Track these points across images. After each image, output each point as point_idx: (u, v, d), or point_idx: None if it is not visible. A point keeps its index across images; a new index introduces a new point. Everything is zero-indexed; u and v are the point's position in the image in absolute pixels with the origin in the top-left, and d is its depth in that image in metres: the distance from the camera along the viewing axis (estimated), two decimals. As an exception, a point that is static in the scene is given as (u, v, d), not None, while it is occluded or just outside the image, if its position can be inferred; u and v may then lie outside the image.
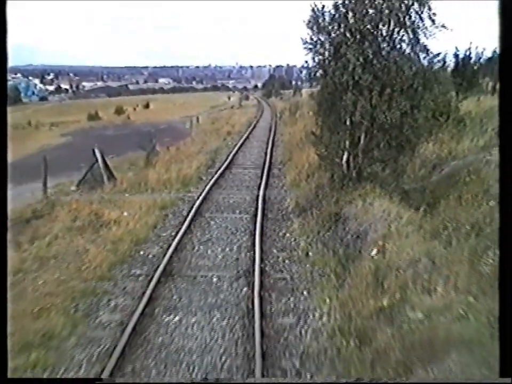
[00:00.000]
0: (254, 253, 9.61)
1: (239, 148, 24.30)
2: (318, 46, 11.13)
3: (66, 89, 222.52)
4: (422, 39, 10.87)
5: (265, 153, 22.12)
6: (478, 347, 4.87)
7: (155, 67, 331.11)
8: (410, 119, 10.50)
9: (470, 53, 29.93)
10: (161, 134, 28.85)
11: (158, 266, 8.98)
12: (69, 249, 10.13)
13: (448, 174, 13.24)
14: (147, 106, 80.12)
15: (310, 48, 11.10)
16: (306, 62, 11.26)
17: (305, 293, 8.08)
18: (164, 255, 9.57)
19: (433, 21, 10.77)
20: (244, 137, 28.85)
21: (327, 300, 7.37)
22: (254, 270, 8.76)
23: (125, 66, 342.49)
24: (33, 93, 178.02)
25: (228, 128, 34.27)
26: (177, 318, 7.35)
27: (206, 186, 15.56)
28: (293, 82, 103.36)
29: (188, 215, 12.37)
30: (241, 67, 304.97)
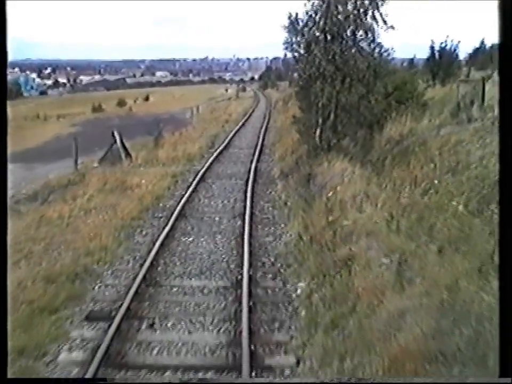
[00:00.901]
0: (245, 203, 12.92)
1: (235, 133, 27.70)
2: (295, 45, 14.45)
3: (64, 83, 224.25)
4: (379, 38, 14.18)
5: (258, 137, 25.52)
6: (378, 234, 8.23)
7: (152, 60, 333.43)
8: (366, 101, 13.82)
9: (445, 46, 33.26)
10: (164, 122, 32.02)
11: (174, 211, 12.30)
12: (104, 203, 13.43)
13: (405, 147, 16.55)
14: (147, 99, 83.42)
15: (287, 48, 14.44)
16: (284, 58, 14.56)
17: (282, 225, 11.42)
18: (178, 204, 12.89)
19: (385, 22, 14.08)
20: (240, 124, 32.28)
21: (296, 226, 10.70)
22: (245, 213, 12.06)
23: (122, 60, 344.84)
24: (31, 87, 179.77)
25: (225, 116, 37.64)
26: (190, 239, 10.69)
27: (207, 161, 18.88)
28: (290, 74, 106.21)
29: (193, 180, 15.69)
30: (238, 59, 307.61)
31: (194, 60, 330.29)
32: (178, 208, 12.53)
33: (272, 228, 11.26)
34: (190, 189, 14.50)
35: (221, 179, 16.47)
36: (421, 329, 5.27)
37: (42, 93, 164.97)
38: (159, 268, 9.04)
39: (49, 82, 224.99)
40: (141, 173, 17.00)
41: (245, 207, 12.63)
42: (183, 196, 13.88)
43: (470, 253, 6.42)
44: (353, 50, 14.04)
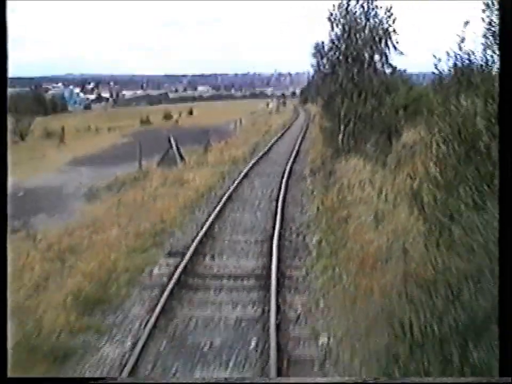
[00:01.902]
0: (279, 192, 16.70)
1: (274, 142, 31.58)
2: (321, 67, 18.30)
3: (107, 98, 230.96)
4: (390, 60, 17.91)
5: (294, 145, 29.39)
6: (370, 203, 11.91)
7: (193, 75, 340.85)
8: (377, 112, 17.53)
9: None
10: (209, 133, 36.14)
11: (223, 197, 16.15)
12: (168, 192, 17.35)
13: (414, 150, 20.15)
14: (191, 112, 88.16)
15: (314, 69, 18.31)
16: (313, 77, 18.42)
17: (307, 205, 15.17)
18: (225, 193, 16.74)
19: (395, 48, 17.79)
20: (279, 134, 36.18)
21: (316, 203, 14.44)
22: (278, 199, 15.81)
23: (164, 75, 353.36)
24: (75, 102, 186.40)
25: (266, 128, 41.68)
26: (237, 214, 14.52)
27: (249, 163, 22.76)
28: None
29: (238, 177, 19.55)
30: (279, 74, 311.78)
31: (236, 75, 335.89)
32: (227, 194, 16.39)
33: (300, 208, 14.99)
34: (235, 183, 18.36)
35: (261, 176, 20.29)
36: (382, 246, 8.96)
37: (86, 107, 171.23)
38: (215, 230, 12.88)
39: (92, 96, 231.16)
40: (194, 172, 20.92)
41: (278, 194, 16.39)
42: (230, 187, 17.72)
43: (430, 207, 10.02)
44: (369, 71, 17.73)
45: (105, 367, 6.56)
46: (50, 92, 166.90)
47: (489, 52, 6.90)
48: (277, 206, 14.69)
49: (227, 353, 6.88)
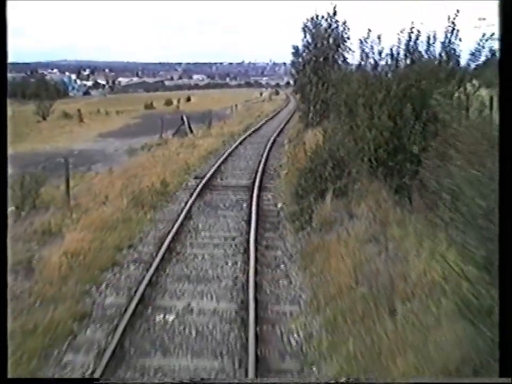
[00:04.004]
0: (264, 152, 24.43)
1: (264, 123, 39.48)
2: (296, 64, 26.07)
3: (103, 85, 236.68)
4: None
5: (280, 125, 37.24)
6: (318, 146, 19.71)
7: (189, 63, 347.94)
8: (335, 96, 25.22)
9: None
10: (209, 117, 43.88)
11: (225, 153, 23.88)
12: (185, 151, 25.03)
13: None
14: (188, 99, 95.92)
15: (292, 65, 26.10)
16: (291, 72, 26.23)
17: (281, 158, 22.89)
18: (225, 152, 24.44)
19: (350, 50, 25.47)
20: (269, 117, 44.08)
21: (287, 156, 22.14)
22: (263, 155, 23.53)
23: (159, 62, 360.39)
24: (73, 88, 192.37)
25: (258, 113, 49.56)
26: (235, 162, 22.26)
27: (244, 136, 30.56)
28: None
29: (235, 144, 27.30)
30: (274, 64, 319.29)
31: (231, 64, 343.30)
32: (228, 152, 24.15)
33: (277, 160, 22.70)
34: (233, 146, 26.13)
35: (252, 144, 28.04)
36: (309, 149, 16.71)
37: (86, 93, 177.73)
38: (221, 168, 20.65)
39: (89, 83, 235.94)
40: (202, 140, 28.66)
41: (263, 153, 24.14)
42: (229, 149, 25.46)
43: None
44: (329, 67, 25.44)
45: (173, 213, 14.11)
46: (49, 78, 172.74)
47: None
48: (261, 158, 22.44)
49: (232, 209, 14.63)
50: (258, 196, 15.47)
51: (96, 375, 6.15)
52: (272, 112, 51.98)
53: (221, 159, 22.11)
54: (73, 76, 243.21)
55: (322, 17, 25.86)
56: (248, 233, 11.73)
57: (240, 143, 27.73)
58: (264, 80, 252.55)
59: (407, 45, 12.10)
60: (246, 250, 10.72)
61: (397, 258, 7.93)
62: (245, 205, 14.73)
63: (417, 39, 11.95)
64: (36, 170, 19.45)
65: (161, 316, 8.06)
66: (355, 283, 7.73)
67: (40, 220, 12.88)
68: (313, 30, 26.02)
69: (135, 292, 8.59)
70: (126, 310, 7.91)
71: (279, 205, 14.85)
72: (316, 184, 12.59)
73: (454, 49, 11.52)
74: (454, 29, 11.17)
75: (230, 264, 10.26)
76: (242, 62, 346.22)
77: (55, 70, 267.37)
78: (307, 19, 26.33)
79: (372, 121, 11.55)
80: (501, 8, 3.34)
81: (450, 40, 11.44)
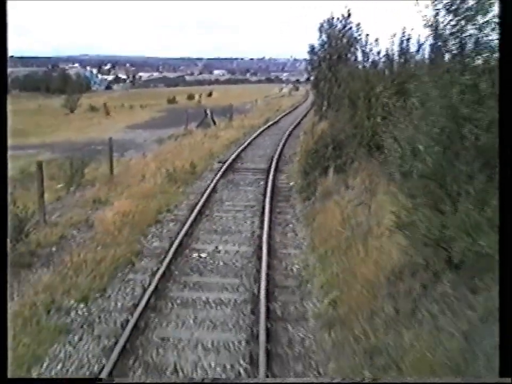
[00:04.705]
0: (280, 142, 27.09)
1: (282, 117, 42.18)
2: (312, 61, 28.69)
3: (124, 79, 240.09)
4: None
5: (297, 118, 39.90)
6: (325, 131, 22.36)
7: (209, 59, 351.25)
8: (348, 91, 27.84)
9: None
10: (230, 111, 46.63)
11: (244, 143, 26.59)
12: (209, 141, 27.77)
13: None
14: (210, 94, 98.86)
15: (309, 62, 28.72)
16: (307, 70, 28.84)
17: (296, 148, 25.55)
18: (245, 142, 27.16)
19: (363, 50, 28.06)
20: (287, 111, 46.75)
21: (301, 146, 24.79)
22: (279, 144, 26.20)
23: (179, 58, 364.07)
24: (95, 82, 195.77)
25: (277, 107, 52.29)
26: (255, 150, 24.98)
27: (263, 128, 33.27)
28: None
29: (255, 134, 30.00)
30: (295, 60, 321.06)
31: (251, 59, 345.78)
32: (248, 141, 26.87)
33: (293, 149, 25.34)
34: (253, 136, 28.86)
35: (270, 135, 30.76)
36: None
37: (108, 87, 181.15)
38: (241, 155, 23.35)
39: (110, 77, 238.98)
40: (224, 131, 31.40)
41: (279, 143, 26.81)
42: (249, 139, 28.16)
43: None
44: (343, 65, 27.98)
45: (201, 188, 16.78)
46: (70, 72, 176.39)
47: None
48: (277, 147, 25.13)
49: (251, 185, 17.31)
50: (274, 176, 18.17)
51: (150, 289, 8.75)
52: (290, 107, 54.65)
53: (241, 147, 24.80)
54: (95, 71, 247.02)
55: (338, 18, 28.40)
56: (264, 202, 14.41)
57: (259, 134, 30.42)
58: (284, 76, 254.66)
59: (400, 46, 14.67)
60: (262, 214, 13.39)
61: (376, 214, 10.53)
62: (262, 183, 17.39)
63: (408, 40, 14.55)
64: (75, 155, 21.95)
65: (196, 254, 10.80)
66: (342, 229, 10.40)
67: (89, 193, 15.63)
68: (329, 31, 28.59)
69: (175, 239, 11.32)
70: (169, 250, 10.63)
71: (291, 183, 17.50)
72: (320, 162, 15.25)
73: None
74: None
75: (248, 223, 12.98)
76: (263, 57, 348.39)
77: (76, 65, 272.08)
78: (323, 20, 28.91)
79: (370, 111, 14.19)
80: (501, 8, 3.32)
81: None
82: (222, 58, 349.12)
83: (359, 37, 28.04)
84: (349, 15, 28.31)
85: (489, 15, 6.57)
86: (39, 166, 12.72)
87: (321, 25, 29.25)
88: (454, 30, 6.71)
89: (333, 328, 7.45)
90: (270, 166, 20.04)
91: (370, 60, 17.64)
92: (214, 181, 17.20)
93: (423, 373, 5.76)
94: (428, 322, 6.57)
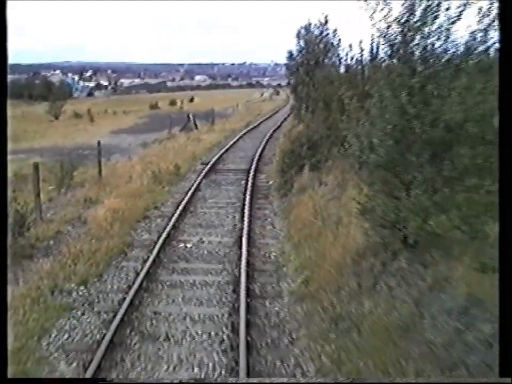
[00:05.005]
0: (261, 144, 28.18)
1: (263, 121, 43.27)
2: (291, 66, 29.83)
3: (106, 86, 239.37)
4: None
5: (277, 122, 41.04)
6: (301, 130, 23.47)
7: (190, 64, 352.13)
8: (323, 94, 29.01)
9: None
10: (212, 116, 47.64)
11: (225, 146, 27.64)
12: (191, 143, 28.79)
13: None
14: (192, 100, 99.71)
15: (287, 67, 29.86)
16: (286, 75, 29.98)
17: (275, 149, 26.65)
18: (228, 144, 28.22)
19: (338, 56, 29.25)
20: (267, 116, 47.85)
21: (280, 148, 25.88)
22: (259, 147, 27.29)
23: (161, 63, 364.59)
24: (76, 89, 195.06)
25: (258, 112, 53.40)
26: (236, 152, 26.03)
27: (244, 131, 34.34)
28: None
29: (236, 138, 31.07)
30: (276, 64, 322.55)
31: (232, 64, 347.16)
32: (229, 144, 27.92)
33: (272, 151, 26.41)
34: (234, 139, 29.91)
35: (251, 138, 31.82)
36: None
37: (89, 94, 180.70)
38: (223, 156, 24.38)
39: (92, 84, 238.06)
40: (206, 135, 32.42)
41: (259, 146, 27.88)
42: (230, 142, 29.20)
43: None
44: (319, 69, 29.15)
45: (185, 188, 17.81)
46: (52, 79, 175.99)
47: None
48: (258, 149, 26.21)
49: (232, 184, 18.35)
50: (254, 176, 19.21)
51: (142, 274, 9.75)
52: (271, 111, 55.79)
53: (223, 150, 25.84)
54: (76, 77, 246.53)
55: (315, 25, 29.57)
56: (244, 199, 15.45)
57: (240, 138, 31.49)
58: (265, 80, 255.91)
59: (371, 52, 15.79)
60: (242, 209, 14.43)
61: (345, 205, 11.60)
62: (242, 182, 18.43)
63: (377, 47, 15.69)
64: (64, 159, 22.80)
65: (183, 244, 11.83)
66: (314, 220, 11.48)
67: (80, 193, 16.56)
68: (306, 36, 29.75)
69: (162, 232, 12.33)
70: (157, 241, 11.65)
71: (270, 182, 18.56)
72: (296, 161, 16.36)
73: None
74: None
75: (230, 218, 14.03)
76: (244, 62, 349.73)
77: (57, 71, 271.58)
78: (301, 26, 30.07)
79: (343, 113, 15.30)
80: (501, 8, 3.27)
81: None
82: (203, 64, 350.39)
83: (335, 43, 29.33)
84: (326, 21, 29.43)
85: (434, 26, 7.77)
86: (36, 166, 13.67)
87: (299, 32, 30.40)
88: (403, 40, 7.85)
89: (304, 301, 8.51)
90: (250, 167, 21.04)
91: (343, 65, 18.59)
92: (198, 181, 18.22)
93: (379, 333, 6.79)
94: (385, 293, 7.64)
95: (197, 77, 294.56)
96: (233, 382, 6.19)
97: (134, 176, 18.60)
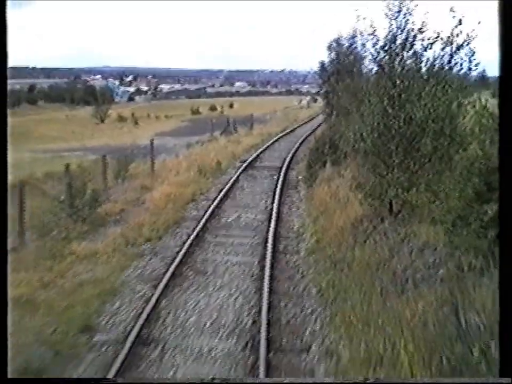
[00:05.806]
0: (295, 146, 31.34)
1: (298, 126, 46.59)
2: (323, 76, 33.00)
3: (146, 91, 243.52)
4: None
5: (312, 127, 44.22)
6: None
7: (230, 71, 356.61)
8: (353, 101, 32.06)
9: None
10: (251, 121, 50.89)
11: (262, 147, 30.88)
12: (232, 145, 32.06)
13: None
14: (231, 105, 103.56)
15: (319, 76, 33.05)
16: (318, 83, 33.15)
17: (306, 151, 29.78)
18: (264, 146, 31.46)
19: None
20: (304, 121, 51.15)
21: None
22: (293, 147, 30.45)
23: (200, 69, 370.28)
24: (117, 94, 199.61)
25: (295, 118, 56.66)
26: (271, 152, 29.25)
27: (280, 135, 37.61)
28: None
29: (272, 140, 34.30)
30: (315, 72, 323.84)
31: (272, 71, 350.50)
32: (265, 146, 31.18)
33: (303, 153, 29.50)
34: (270, 142, 33.16)
35: (286, 141, 35.02)
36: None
37: (130, 99, 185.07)
38: (260, 156, 27.63)
39: (132, 89, 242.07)
40: (245, 138, 35.68)
41: (293, 147, 31.03)
42: (267, 144, 32.43)
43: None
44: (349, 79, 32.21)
45: (226, 180, 21.01)
46: (93, 84, 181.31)
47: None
48: (291, 150, 29.37)
49: (266, 178, 21.55)
50: (286, 172, 22.37)
51: (192, 236, 12.98)
52: (308, 118, 58.93)
53: (260, 151, 29.09)
54: (116, 82, 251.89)
55: (345, 38, 32.73)
56: (275, 189, 18.65)
57: (276, 140, 34.74)
58: (304, 88, 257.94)
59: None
60: (273, 196, 17.63)
61: (354, 190, 14.74)
62: (275, 176, 21.60)
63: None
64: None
65: (224, 219, 15.10)
66: (329, 200, 14.65)
67: (136, 183, 19.91)
68: (337, 49, 32.93)
69: (208, 209, 15.61)
70: (203, 217, 14.91)
71: (300, 177, 21.69)
72: (319, 158, 19.49)
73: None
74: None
75: (263, 202, 17.25)
76: (284, 69, 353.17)
77: (98, 76, 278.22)
78: (332, 40, 33.30)
79: (362, 118, 18.41)
80: (501, 8, 3.41)
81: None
82: (242, 70, 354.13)
83: (364, 55, 32.33)
84: (354, 35, 32.44)
85: (411, 52, 10.97)
86: (104, 158, 17.13)
87: (330, 44, 33.57)
88: (387, 62, 11.04)
89: (315, 253, 11.70)
90: (283, 165, 24.19)
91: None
92: (237, 174, 21.46)
93: (362, 268, 9.90)
94: (372, 244, 10.74)
95: (237, 84, 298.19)
96: (236, 382, 6.31)
97: (181, 171, 21.85)
